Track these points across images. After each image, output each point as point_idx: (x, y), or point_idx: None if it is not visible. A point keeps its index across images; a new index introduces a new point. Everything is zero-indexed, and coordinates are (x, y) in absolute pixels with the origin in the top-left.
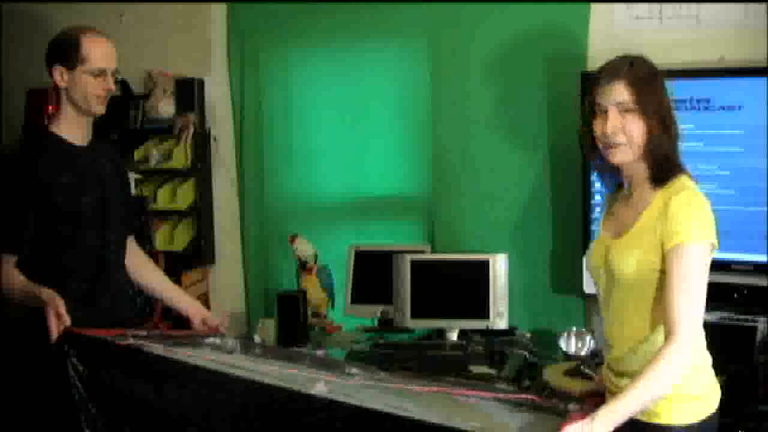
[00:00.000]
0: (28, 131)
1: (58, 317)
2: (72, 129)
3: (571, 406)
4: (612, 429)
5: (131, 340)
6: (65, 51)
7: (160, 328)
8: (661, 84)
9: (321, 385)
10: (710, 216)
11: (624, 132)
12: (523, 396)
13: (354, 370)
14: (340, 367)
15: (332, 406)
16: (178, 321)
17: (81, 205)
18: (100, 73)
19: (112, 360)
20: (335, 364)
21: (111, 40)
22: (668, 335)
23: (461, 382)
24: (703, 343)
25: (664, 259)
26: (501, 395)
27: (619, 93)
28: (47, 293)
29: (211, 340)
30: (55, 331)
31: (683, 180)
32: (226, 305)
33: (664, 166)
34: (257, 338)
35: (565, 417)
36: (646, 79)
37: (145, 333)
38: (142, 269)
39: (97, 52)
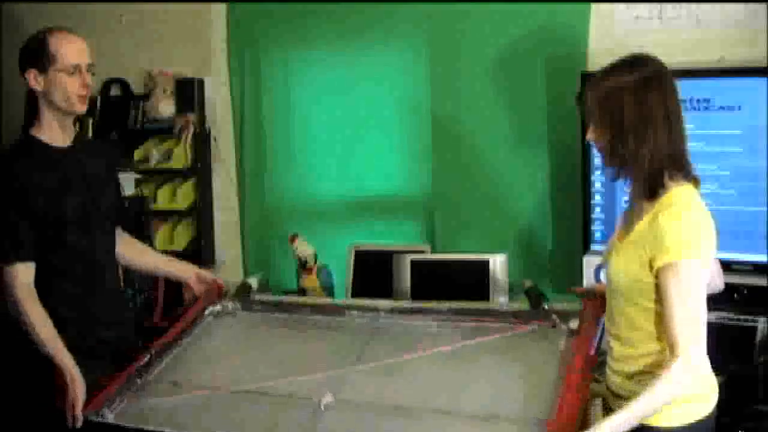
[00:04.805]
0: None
1: (74, 403)
2: (52, 132)
3: (572, 324)
4: None
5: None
6: (34, 53)
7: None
8: (640, 93)
9: (329, 397)
10: (700, 232)
11: (594, 140)
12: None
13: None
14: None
15: None
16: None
17: (65, 207)
18: (75, 70)
19: None
20: (334, 309)
21: (80, 36)
22: (672, 352)
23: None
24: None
25: (652, 274)
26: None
27: (588, 101)
28: (72, 372)
29: (210, 309)
30: (70, 419)
31: (674, 193)
32: None
33: (647, 180)
34: (253, 283)
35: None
36: (614, 89)
37: (147, 358)
38: (132, 253)
39: (66, 48)
